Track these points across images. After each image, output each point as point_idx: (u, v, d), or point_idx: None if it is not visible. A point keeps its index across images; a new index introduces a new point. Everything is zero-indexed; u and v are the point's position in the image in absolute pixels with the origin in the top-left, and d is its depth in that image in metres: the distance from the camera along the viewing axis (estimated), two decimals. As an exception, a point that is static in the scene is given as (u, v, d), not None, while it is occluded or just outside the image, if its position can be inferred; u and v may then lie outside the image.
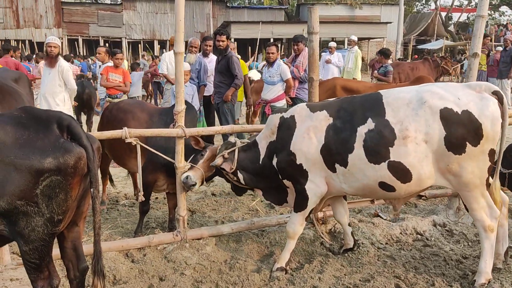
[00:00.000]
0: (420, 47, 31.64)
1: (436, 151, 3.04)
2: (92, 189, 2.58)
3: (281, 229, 4.44)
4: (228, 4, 32.86)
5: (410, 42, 27.96)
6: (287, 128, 3.53)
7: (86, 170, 2.54)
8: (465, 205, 3.32)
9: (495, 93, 3.04)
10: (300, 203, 3.56)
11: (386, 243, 4.20)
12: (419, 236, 4.30)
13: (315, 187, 3.46)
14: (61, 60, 6.84)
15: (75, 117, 7.11)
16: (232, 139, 4.01)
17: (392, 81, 8.62)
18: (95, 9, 30.88)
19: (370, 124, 3.17)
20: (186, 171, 4.02)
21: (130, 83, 7.87)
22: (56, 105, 6.72)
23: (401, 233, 4.34)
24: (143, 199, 4.21)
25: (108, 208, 5.33)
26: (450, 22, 38.77)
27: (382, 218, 4.69)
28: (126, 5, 30.84)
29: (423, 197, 4.96)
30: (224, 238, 4.25)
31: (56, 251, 2.78)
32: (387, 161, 3.13)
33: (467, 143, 2.98)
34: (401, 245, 4.15)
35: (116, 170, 6.64)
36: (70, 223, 2.70)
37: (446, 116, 2.99)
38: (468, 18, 41.75)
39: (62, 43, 29.22)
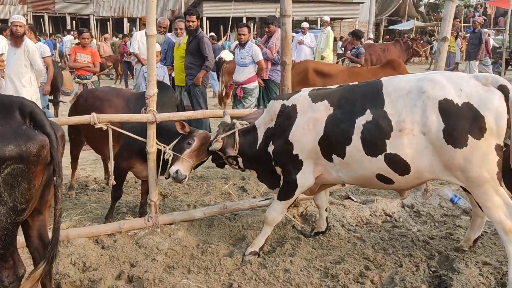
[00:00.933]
0: (391, 27, 31.94)
1: (436, 144, 2.91)
2: (55, 178, 2.51)
3: (253, 213, 4.46)
4: (199, -19, 32.15)
5: (381, 23, 28.18)
6: (287, 117, 3.46)
7: (50, 159, 2.46)
8: (480, 207, 3.14)
9: (501, 87, 2.87)
10: (288, 192, 3.54)
11: (356, 225, 4.28)
12: (388, 218, 4.40)
13: (305, 178, 3.44)
14: (27, 40, 6.55)
15: (40, 99, 6.95)
16: (227, 119, 3.94)
17: (364, 63, 8.68)
18: (61, -15, 29.76)
19: (368, 116, 3.08)
20: (174, 164, 3.88)
21: (100, 63, 7.64)
22: (22, 86, 6.47)
23: (371, 215, 4.43)
24: (114, 183, 4.13)
25: (77, 193, 5.23)
26: (420, 2, 39.16)
27: (352, 200, 4.76)
28: (93, -20, 29.84)
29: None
30: (196, 223, 4.24)
31: (21, 239, 2.73)
32: (383, 154, 3.05)
33: (469, 136, 2.82)
34: (371, 227, 4.23)
35: (85, 154, 6.49)
36: (35, 212, 2.64)
37: (445, 107, 2.86)
38: (438, -2, 42.27)
39: (26, 20, 28.13)
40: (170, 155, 3.93)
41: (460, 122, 2.84)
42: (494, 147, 2.84)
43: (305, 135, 3.33)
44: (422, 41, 15.80)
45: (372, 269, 3.42)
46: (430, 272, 3.38)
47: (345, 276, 3.29)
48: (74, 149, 5.17)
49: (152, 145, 3.96)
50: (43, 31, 25.80)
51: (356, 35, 9.13)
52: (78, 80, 7.18)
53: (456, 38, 13.23)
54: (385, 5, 34.71)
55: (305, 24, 11.21)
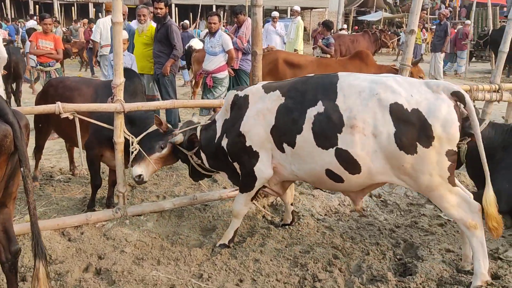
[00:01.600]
0: (360, 18, 32.28)
1: (387, 148, 2.88)
2: (22, 168, 2.43)
3: (223, 203, 4.46)
4: (168, -33, 31.49)
5: (351, 13, 28.42)
6: (239, 107, 3.47)
7: (13, 149, 2.39)
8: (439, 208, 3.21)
9: (454, 94, 2.86)
10: (248, 184, 3.53)
11: (325, 215, 4.34)
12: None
13: (263, 169, 3.41)
14: None
15: (3, 86, 6.68)
16: (195, 118, 3.94)
17: (333, 54, 8.75)
18: (22, -33, 28.54)
19: (320, 107, 3.09)
20: (138, 165, 3.80)
21: (63, 50, 7.38)
22: None
23: (339, 204, 4.50)
24: (82, 171, 4.10)
25: (42, 184, 5.08)
26: (388, -6, 39.63)
27: (321, 190, 4.82)
28: (57, -38, 28.76)
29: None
30: (166, 214, 4.20)
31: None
32: (334, 148, 3.03)
33: (417, 143, 2.81)
34: (339, 216, 4.31)
35: (50, 143, 6.32)
36: (1, 206, 2.55)
37: (396, 112, 2.84)
38: (406, -10, 42.90)
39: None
40: (136, 149, 3.86)
41: (410, 129, 2.83)
42: (445, 153, 2.84)
43: (256, 126, 3.33)
44: (389, 32, 16.03)
45: (340, 257, 3.48)
46: (396, 259, 3.48)
47: (314, 265, 3.34)
48: (40, 138, 5.01)
49: (120, 135, 3.89)
50: (5, 16, 24.80)
51: (327, 25, 9.18)
52: (40, 67, 6.94)
53: (421, 30, 13.50)
54: (354, -5, 35.01)
55: (275, 14, 11.17)
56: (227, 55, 6.90)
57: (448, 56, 15.01)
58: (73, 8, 26.88)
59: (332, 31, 9.27)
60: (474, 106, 4.37)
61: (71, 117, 3.71)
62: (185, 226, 4.06)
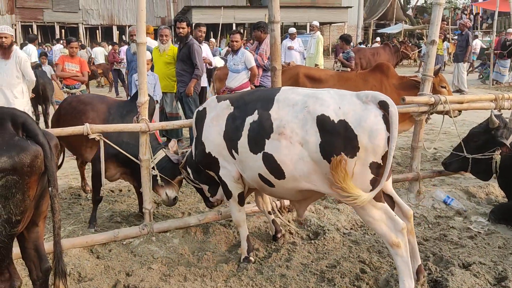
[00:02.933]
0: (380, 31, 32.20)
1: (314, 158, 2.93)
2: (50, 188, 2.48)
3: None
4: (188, -12, 32.23)
5: (370, 27, 28.40)
6: (200, 120, 3.68)
7: (44, 169, 2.45)
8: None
9: (381, 104, 2.83)
10: (224, 190, 3.65)
11: (351, 228, 4.30)
12: (382, 220, 4.42)
13: (227, 172, 3.53)
14: (17, 51, 6.49)
15: (31, 109, 6.90)
16: None
17: (354, 67, 8.74)
18: (49, -6, 29.63)
19: (255, 116, 3.22)
20: (169, 189, 4.23)
21: (88, 72, 7.60)
22: (14, 97, 6.41)
23: (365, 218, 4.44)
24: (90, 190, 4.24)
25: (70, 203, 5.20)
26: (408, 6, 39.56)
27: (346, 204, 4.77)
28: (82, -11, 29.78)
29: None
30: (192, 230, 4.23)
31: (16, 250, 2.71)
32: (262, 152, 3.14)
33: (342, 154, 2.80)
34: (365, 230, 4.25)
35: (75, 163, 6.46)
36: (30, 223, 2.62)
37: (322, 123, 2.88)
38: (425, 2, 42.70)
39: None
40: (157, 175, 4.12)
41: (335, 139, 2.83)
42: (369, 165, 2.82)
43: (211, 132, 3.51)
44: (410, 44, 15.94)
45: (368, 272, 3.44)
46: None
47: (341, 279, 3.30)
48: None
49: (145, 152, 3.96)
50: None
51: (345, 39, 9.21)
52: (66, 89, 7.14)
53: (443, 40, 13.35)
54: (373, 9, 35.00)
55: (293, 30, 11.26)
56: (249, 72, 6.98)
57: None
58: (97, 31, 27.69)
59: (351, 44, 9.29)
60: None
61: (97, 138, 3.80)
62: (210, 242, 4.08)
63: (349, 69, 8.63)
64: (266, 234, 4.21)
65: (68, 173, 6.19)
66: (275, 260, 3.70)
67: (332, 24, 31.00)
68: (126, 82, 9.33)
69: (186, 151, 4.17)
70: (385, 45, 13.24)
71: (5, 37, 6.28)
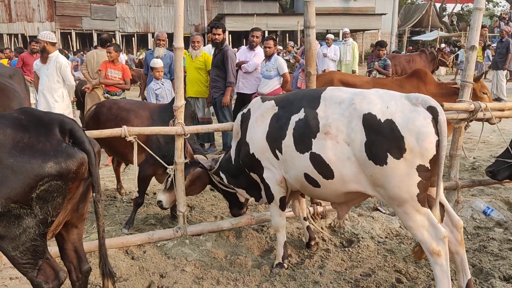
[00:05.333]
0: (414, 38, 31.67)
1: (359, 157, 2.88)
2: (94, 194, 2.54)
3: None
4: (222, -4, 32.67)
5: (404, 34, 27.96)
6: (244, 120, 3.69)
7: (87, 175, 2.49)
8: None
9: (430, 109, 2.77)
10: (266, 193, 3.63)
11: (386, 237, 4.21)
12: (418, 230, 4.31)
13: (271, 175, 3.50)
14: (58, 56, 6.69)
15: (72, 113, 7.08)
16: None
17: (391, 75, 8.60)
18: (87, 2, 30.60)
19: (301, 114, 3.19)
20: (162, 192, 4.13)
21: (130, 79, 7.63)
22: (55, 101, 6.62)
23: (400, 226, 4.35)
24: (137, 195, 4.28)
25: (107, 204, 5.31)
26: (444, 13, 38.75)
27: (381, 212, 4.69)
28: (119, -3, 30.61)
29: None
30: (224, 234, 4.24)
31: (55, 250, 2.78)
32: (309, 152, 3.10)
33: (388, 154, 2.75)
34: (401, 239, 4.16)
35: (110, 166, 6.60)
36: (70, 225, 2.67)
37: (368, 122, 2.83)
38: (462, 9, 41.75)
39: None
40: (171, 177, 4.10)
41: (381, 139, 2.78)
42: (416, 168, 2.74)
43: (256, 133, 3.49)
44: (447, 51, 15.59)
45: (404, 282, 3.36)
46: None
47: (377, 288, 3.23)
48: None
49: (180, 156, 4.01)
50: (71, 48, 26.53)
51: (381, 45, 9.07)
52: (107, 95, 7.13)
53: (483, 48, 12.90)
54: (408, 16, 34.50)
55: (330, 36, 11.17)
56: (281, 78, 6.98)
57: None
58: (133, 38, 28.36)
59: (385, 49, 9.11)
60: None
61: (133, 141, 3.87)
62: (243, 246, 4.08)
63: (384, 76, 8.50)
64: (299, 240, 4.18)
65: (104, 175, 6.32)
66: (308, 266, 3.66)
67: (366, 32, 30.70)
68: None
69: (219, 157, 4.17)
70: (421, 52, 12.99)
71: (36, 43, 6.49)
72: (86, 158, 2.45)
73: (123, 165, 5.69)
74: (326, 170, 3.04)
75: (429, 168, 2.76)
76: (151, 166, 4.34)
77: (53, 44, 6.72)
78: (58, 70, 6.56)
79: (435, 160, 2.75)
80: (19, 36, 28.04)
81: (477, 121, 4.59)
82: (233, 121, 6.51)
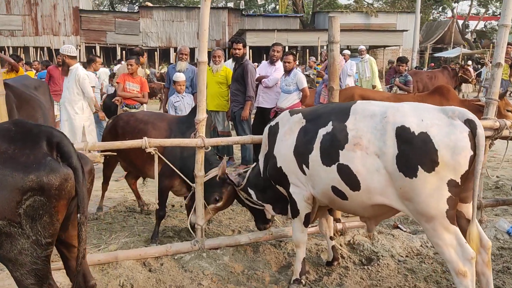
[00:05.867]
0: (436, 55, 31.42)
1: (389, 170, 2.83)
2: (79, 215, 2.36)
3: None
4: (243, 13, 33.08)
5: (426, 50, 27.78)
6: (272, 134, 3.67)
7: (74, 194, 2.34)
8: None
9: (467, 122, 2.72)
10: (292, 208, 3.58)
11: (407, 256, 4.12)
12: (440, 249, 4.21)
13: (299, 191, 3.45)
14: (78, 69, 6.82)
15: (93, 125, 7.18)
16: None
17: (412, 92, 8.52)
18: (112, 17, 31.34)
19: (329, 127, 3.15)
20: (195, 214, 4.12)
21: (148, 93, 7.69)
22: (75, 113, 6.75)
23: (421, 245, 4.25)
24: (157, 207, 4.28)
25: (125, 216, 5.34)
26: (467, 30, 38.42)
27: (402, 230, 4.61)
28: (143, 13, 31.27)
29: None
30: (242, 248, 4.21)
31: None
32: (336, 164, 3.05)
33: (419, 167, 2.70)
34: (422, 258, 4.06)
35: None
36: (69, 245, 2.59)
37: (401, 134, 2.79)
38: (485, 26, 41.34)
39: (79, 50, 29.74)
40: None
41: (413, 151, 2.73)
42: (447, 183, 2.68)
43: (283, 146, 3.47)
44: (470, 68, 15.39)
45: (425, 302, 3.26)
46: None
47: (397, 308, 3.15)
48: (107, 170, 5.30)
49: (200, 169, 4.02)
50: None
51: (401, 61, 9.02)
52: (126, 108, 7.15)
53: (511, 66, 12.55)
54: (430, 32, 34.31)
55: (347, 52, 11.19)
56: (301, 93, 6.98)
57: None
58: (156, 52, 28.83)
59: (406, 65, 9.03)
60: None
61: (153, 152, 3.89)
62: (260, 261, 4.04)
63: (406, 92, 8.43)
64: (317, 256, 4.12)
65: (124, 186, 6.38)
66: (326, 284, 3.60)
67: (387, 48, 30.59)
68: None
69: (244, 171, 4.11)
70: (443, 69, 12.84)
71: (59, 56, 6.66)
72: (72, 174, 2.30)
73: (139, 179, 5.70)
74: (353, 181, 3.00)
75: (460, 183, 2.70)
76: (167, 178, 4.32)
77: (72, 57, 6.88)
78: (77, 82, 6.70)
79: (466, 176, 2.70)
80: (45, 49, 28.81)
81: (502, 139, 4.50)
82: (252, 135, 6.57)
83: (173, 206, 5.68)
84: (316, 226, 4.35)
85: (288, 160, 3.43)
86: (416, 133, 2.75)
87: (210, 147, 4.10)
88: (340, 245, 4.21)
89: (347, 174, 3.01)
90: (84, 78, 6.80)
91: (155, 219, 4.55)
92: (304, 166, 3.32)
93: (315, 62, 15.24)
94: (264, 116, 7.40)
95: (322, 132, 3.19)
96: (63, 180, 2.26)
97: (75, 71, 6.75)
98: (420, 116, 2.81)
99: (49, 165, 2.24)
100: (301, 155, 3.32)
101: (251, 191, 3.95)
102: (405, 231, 4.57)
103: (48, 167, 2.23)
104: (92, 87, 7.22)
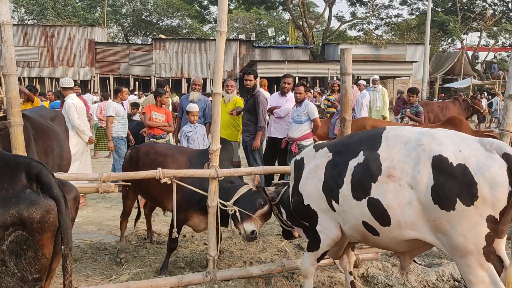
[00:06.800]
0: (447, 85, 31.48)
1: (423, 201, 2.72)
2: (63, 247, 2.26)
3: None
4: (254, 44, 33.60)
5: (436, 81, 27.86)
6: (298, 169, 3.61)
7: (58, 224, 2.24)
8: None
9: (505, 156, 2.64)
10: (313, 243, 3.51)
11: (422, 290, 4.03)
12: (456, 283, 4.12)
13: (325, 230, 3.36)
14: (69, 97, 7.12)
15: (85, 153, 7.26)
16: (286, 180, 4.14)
17: (423, 122, 8.52)
18: (126, 49, 32.01)
19: (360, 157, 3.01)
20: (246, 222, 3.99)
21: (174, 122, 7.81)
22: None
23: (437, 279, 4.17)
24: (177, 235, 4.25)
25: (136, 246, 5.32)
26: (476, 61, 38.58)
27: (417, 263, 4.52)
28: (156, 45, 31.92)
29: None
30: (254, 280, 4.16)
31: None
32: (367, 198, 2.92)
33: (457, 199, 2.61)
34: (438, 292, 3.97)
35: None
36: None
37: (438, 164, 2.69)
38: (495, 57, 41.51)
39: (94, 81, 30.36)
40: (232, 211, 4.01)
41: (451, 183, 2.63)
42: (486, 218, 2.59)
43: (310, 184, 3.39)
44: (481, 99, 15.39)
45: (443, 339, 3.17)
46: None
47: None
48: (127, 204, 5.05)
49: (213, 199, 4.02)
50: (108, 92, 27.59)
51: (412, 91, 9.06)
52: (153, 139, 7.18)
53: None
54: (440, 63, 34.48)
55: (362, 82, 11.28)
56: (312, 123, 7.02)
57: None
58: (168, 83, 29.28)
59: (417, 96, 9.05)
60: None
61: (169, 182, 3.91)
62: (273, 294, 3.98)
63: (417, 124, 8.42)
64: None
65: (135, 216, 6.37)
66: (340, 318, 3.52)
67: (396, 78, 30.74)
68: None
69: (282, 184, 4.11)
70: (454, 99, 12.85)
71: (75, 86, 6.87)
72: (54, 206, 2.21)
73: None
74: (383, 216, 2.89)
75: (499, 220, 2.62)
76: (183, 211, 4.23)
77: (66, 88, 7.24)
78: (66, 111, 6.89)
79: (504, 211, 2.61)
80: (60, 80, 29.38)
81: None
82: (263, 165, 6.58)
83: (184, 236, 5.65)
84: (329, 258, 4.29)
85: (317, 198, 3.34)
86: (454, 164, 2.66)
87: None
88: (354, 277, 4.14)
89: (376, 208, 2.90)
90: (69, 106, 7.02)
91: (166, 251, 4.52)
92: (333, 202, 3.21)
93: (319, 93, 15.25)
94: (276, 145, 7.43)
95: (353, 163, 3.06)
96: (44, 212, 2.18)
97: (68, 100, 6.93)
98: (458, 146, 2.72)
99: (28, 198, 2.16)
100: (331, 190, 3.21)
101: (283, 210, 3.92)
102: (420, 264, 4.49)
103: (28, 200, 2.15)
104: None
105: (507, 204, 2.58)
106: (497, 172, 2.59)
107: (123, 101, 8.70)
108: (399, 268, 3.29)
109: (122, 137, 8.16)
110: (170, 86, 28.64)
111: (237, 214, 4.00)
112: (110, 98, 13.81)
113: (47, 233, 2.21)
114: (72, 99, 7.18)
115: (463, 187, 2.61)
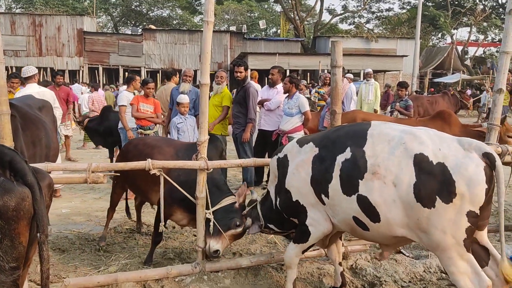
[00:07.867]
0: (436, 80, 31.72)
1: (405, 199, 2.80)
2: (39, 234, 2.23)
3: (300, 264, 4.34)
4: (245, 36, 33.47)
5: (426, 76, 28.05)
6: (282, 167, 3.58)
7: (33, 212, 2.22)
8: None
9: (486, 155, 2.75)
10: (301, 236, 3.51)
11: (410, 281, 4.07)
12: (443, 275, 4.17)
13: (316, 223, 3.38)
14: (27, 88, 7.01)
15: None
16: (254, 195, 4.06)
17: (413, 116, 8.58)
18: (116, 39, 31.72)
19: (347, 153, 3.06)
20: (214, 239, 3.92)
21: (162, 114, 7.71)
22: None
23: (424, 271, 4.21)
24: (164, 229, 4.22)
25: (125, 237, 5.30)
26: (466, 56, 38.88)
27: (405, 255, 4.56)
28: (146, 35, 31.67)
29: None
30: (243, 271, 4.17)
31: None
32: (356, 194, 2.99)
33: (437, 197, 2.70)
34: (425, 284, 4.02)
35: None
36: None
37: (420, 162, 2.77)
38: (484, 52, 41.86)
39: (82, 71, 30.03)
40: (211, 220, 3.94)
41: (431, 181, 2.73)
42: (466, 214, 2.69)
43: (297, 180, 3.38)
44: (468, 94, 15.56)
45: (429, 329, 3.21)
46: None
47: (401, 335, 3.10)
48: (115, 196, 5.08)
49: (202, 190, 4.00)
50: (97, 81, 27.33)
51: (402, 85, 9.11)
52: (141, 130, 7.13)
53: (510, 92, 12.63)
54: (430, 58, 34.69)
55: (349, 75, 11.32)
56: (303, 116, 7.03)
57: None
58: (158, 74, 29.08)
59: (406, 90, 9.11)
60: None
61: (158, 173, 3.88)
62: (262, 285, 3.99)
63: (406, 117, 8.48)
64: (319, 281, 4.08)
65: (124, 207, 6.33)
66: (329, 309, 3.55)
67: (387, 72, 30.88)
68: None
69: (253, 209, 3.97)
70: (443, 94, 12.96)
71: (61, 76, 6.70)
72: (29, 193, 2.19)
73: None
74: (372, 213, 2.94)
75: (479, 214, 2.71)
76: (168, 205, 4.16)
77: (26, 78, 7.20)
78: None
79: (483, 207, 2.71)
80: (48, 69, 29.04)
81: (504, 165, 4.50)
82: (254, 157, 6.57)
83: (173, 227, 5.63)
84: (318, 249, 4.31)
85: (305, 193, 3.35)
86: (434, 163, 2.74)
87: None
88: (343, 269, 4.17)
89: (366, 205, 2.95)
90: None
91: (151, 243, 4.50)
92: (323, 196, 3.24)
93: (306, 86, 15.23)
94: (266, 138, 7.43)
95: (340, 158, 3.10)
96: (19, 200, 2.15)
97: (27, 91, 6.76)
98: (437, 145, 2.81)
99: (2, 186, 2.13)
100: (319, 184, 3.24)
101: (271, 226, 3.87)
102: (408, 256, 4.53)
103: (2, 188, 2.12)
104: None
105: (485, 200, 2.68)
106: (474, 170, 2.69)
107: (136, 90, 8.25)
108: (379, 256, 3.40)
109: (132, 128, 7.87)
110: (160, 77, 28.54)
111: (211, 225, 3.92)
112: (117, 87, 13.43)
113: (23, 221, 2.18)
114: (31, 90, 6.78)
115: (443, 185, 2.70)
